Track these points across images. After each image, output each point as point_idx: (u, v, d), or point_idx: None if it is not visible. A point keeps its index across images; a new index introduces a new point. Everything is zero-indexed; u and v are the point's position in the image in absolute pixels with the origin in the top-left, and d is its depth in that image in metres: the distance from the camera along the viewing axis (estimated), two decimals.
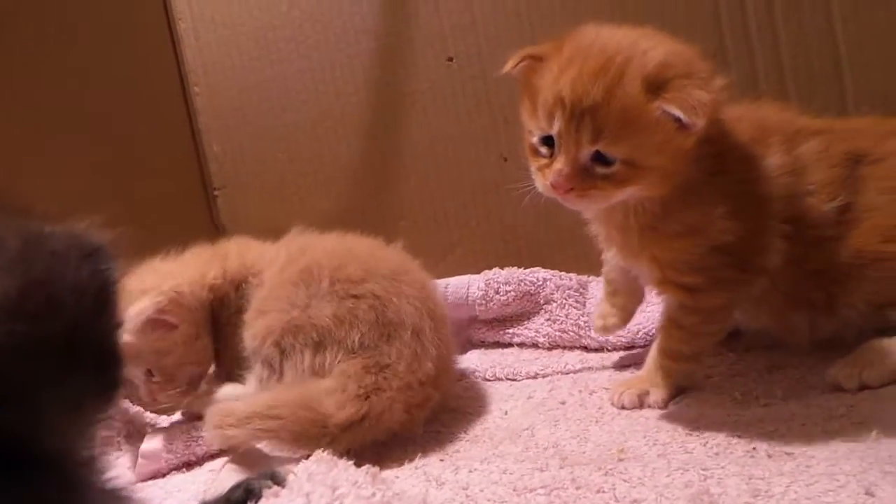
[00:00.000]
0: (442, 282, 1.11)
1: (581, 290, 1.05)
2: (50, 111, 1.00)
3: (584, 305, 1.03)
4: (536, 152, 0.68)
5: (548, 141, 0.66)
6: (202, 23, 1.23)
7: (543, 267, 1.08)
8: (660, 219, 0.68)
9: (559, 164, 0.64)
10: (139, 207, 1.14)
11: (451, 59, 1.15)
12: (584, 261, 1.05)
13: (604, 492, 0.54)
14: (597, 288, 1.04)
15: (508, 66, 0.69)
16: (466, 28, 1.14)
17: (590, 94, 0.61)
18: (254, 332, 0.78)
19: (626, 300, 0.86)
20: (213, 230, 1.28)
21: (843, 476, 0.50)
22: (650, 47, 0.64)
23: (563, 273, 1.06)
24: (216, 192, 1.28)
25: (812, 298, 0.72)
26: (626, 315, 0.86)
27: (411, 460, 0.68)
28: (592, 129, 0.62)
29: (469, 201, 1.17)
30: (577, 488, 0.56)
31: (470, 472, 0.63)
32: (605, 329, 0.87)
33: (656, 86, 0.61)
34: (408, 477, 0.64)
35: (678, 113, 0.60)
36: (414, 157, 1.18)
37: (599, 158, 0.64)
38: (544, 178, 0.66)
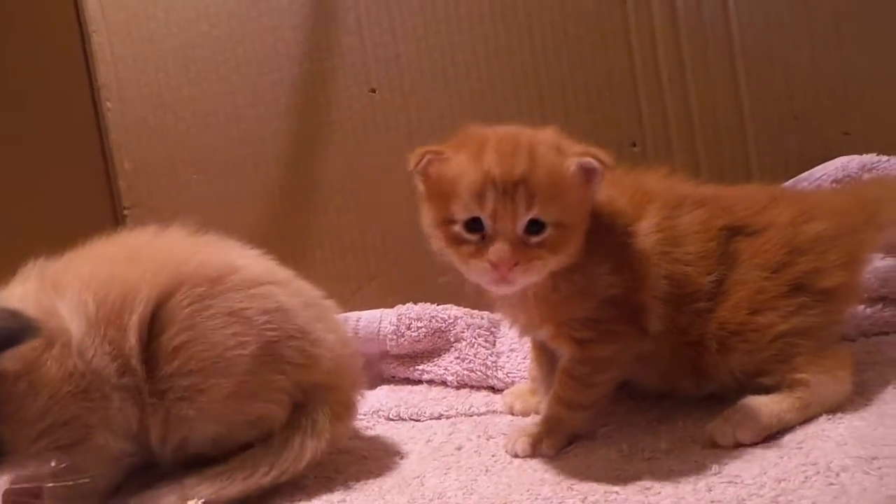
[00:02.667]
0: (354, 315, 1.09)
1: (492, 329, 1.05)
2: None
3: (494, 345, 1.03)
4: (460, 241, 0.68)
5: (474, 225, 0.67)
6: (117, 36, 1.19)
7: (458, 304, 1.08)
8: (550, 288, 0.71)
9: (499, 242, 0.65)
10: (46, 222, 1.09)
11: (373, 91, 1.15)
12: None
13: None
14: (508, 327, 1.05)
15: (412, 164, 0.70)
16: (390, 61, 1.13)
17: (518, 166, 0.66)
18: None
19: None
20: None
21: None
22: (535, 131, 0.71)
23: (475, 311, 1.06)
24: (126, 212, 1.22)
25: (695, 365, 0.75)
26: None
27: None
28: (527, 196, 0.65)
29: (387, 235, 1.16)
30: None
31: None
32: (511, 410, 0.89)
33: (561, 150, 0.69)
34: None
35: (591, 161, 0.67)
36: (332, 187, 1.17)
37: (531, 228, 0.66)
38: (480, 261, 0.66)
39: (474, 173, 0.66)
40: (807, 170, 1.01)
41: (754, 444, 0.67)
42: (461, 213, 0.67)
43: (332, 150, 1.16)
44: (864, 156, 0.98)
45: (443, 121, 1.12)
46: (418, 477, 0.73)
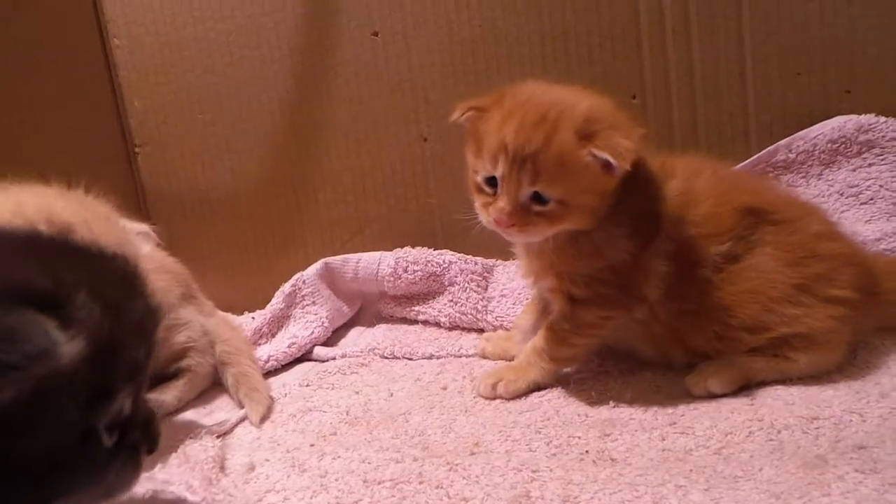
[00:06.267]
0: (354, 256, 1.14)
1: (485, 274, 1.09)
2: None
3: (486, 290, 1.08)
4: (481, 190, 0.76)
5: (491, 181, 0.74)
6: None
7: (454, 249, 1.12)
8: (569, 242, 0.75)
9: (501, 202, 0.72)
10: (59, 161, 1.13)
11: (376, 34, 1.15)
12: (494, 245, 1.10)
13: (441, 488, 0.60)
14: (501, 273, 1.09)
15: (455, 116, 0.76)
16: (393, 4, 1.13)
17: (530, 142, 0.69)
18: None
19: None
20: (134, 188, 1.27)
21: (643, 487, 0.57)
22: (577, 101, 0.72)
23: (469, 257, 1.10)
24: (137, 150, 1.26)
25: (687, 335, 0.77)
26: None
27: (288, 448, 0.73)
28: (532, 172, 0.70)
29: (388, 178, 1.19)
30: (420, 483, 0.62)
31: (333, 459, 0.68)
32: (483, 353, 0.95)
33: (586, 135, 0.69)
34: (276, 462, 0.69)
35: (608, 157, 0.68)
36: (335, 130, 1.19)
37: (537, 198, 0.72)
38: (488, 213, 0.75)
39: (495, 138, 0.71)
40: (805, 127, 1.01)
41: (724, 396, 0.72)
42: (482, 169, 0.74)
43: (334, 92, 1.17)
44: (862, 116, 0.97)
45: (444, 65, 1.13)
46: (404, 413, 0.79)
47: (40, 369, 0.33)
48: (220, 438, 0.73)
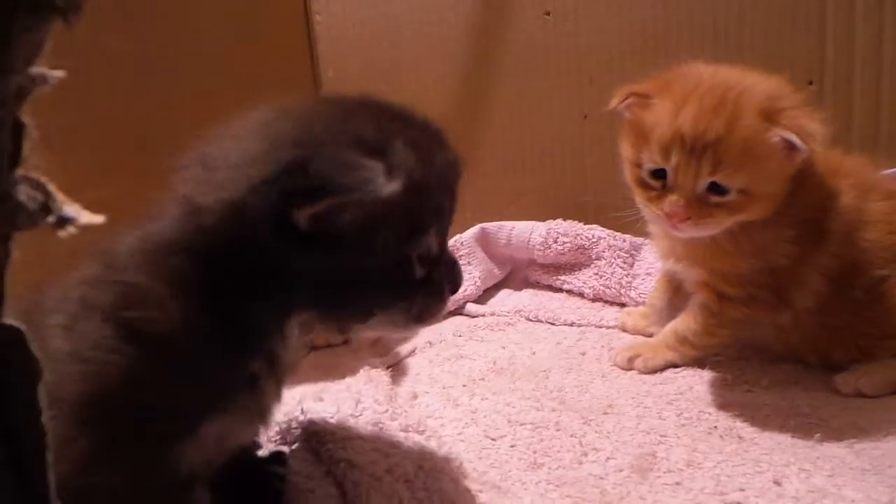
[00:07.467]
0: (509, 224, 1.24)
1: (633, 251, 1.13)
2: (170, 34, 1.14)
3: (632, 267, 1.12)
4: (645, 184, 0.73)
5: (658, 173, 0.71)
6: None
7: (603, 225, 1.17)
8: (729, 239, 0.73)
9: (676, 195, 0.69)
10: None
11: (548, 14, 1.20)
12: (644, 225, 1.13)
13: (575, 437, 0.69)
14: (648, 251, 1.13)
15: (614, 103, 0.73)
16: None
17: (712, 129, 0.65)
18: None
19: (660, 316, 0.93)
20: None
21: (766, 464, 0.61)
22: (756, 82, 0.68)
23: (617, 234, 1.14)
24: None
25: (827, 346, 0.76)
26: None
27: (444, 385, 0.85)
28: (713, 161, 0.66)
29: (546, 152, 1.26)
30: (557, 430, 0.70)
31: (482, 399, 0.79)
32: (623, 326, 0.98)
33: (771, 115, 0.66)
34: (434, 394, 0.81)
35: (795, 139, 0.64)
36: (501, 104, 1.27)
37: (714, 189, 0.68)
38: (656, 207, 0.71)
39: (667, 127, 0.68)
40: None
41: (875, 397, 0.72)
42: (648, 161, 0.72)
43: (504, 69, 1.25)
44: None
45: (611, 47, 1.16)
46: (545, 371, 0.88)
47: (368, 196, 0.41)
48: (390, 369, 0.87)
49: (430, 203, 0.48)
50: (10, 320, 0.31)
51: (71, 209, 0.30)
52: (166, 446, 0.44)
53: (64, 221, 0.30)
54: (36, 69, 0.27)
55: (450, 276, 0.52)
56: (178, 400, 0.44)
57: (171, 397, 0.43)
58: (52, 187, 0.30)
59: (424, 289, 0.49)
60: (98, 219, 0.31)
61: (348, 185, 0.41)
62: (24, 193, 0.29)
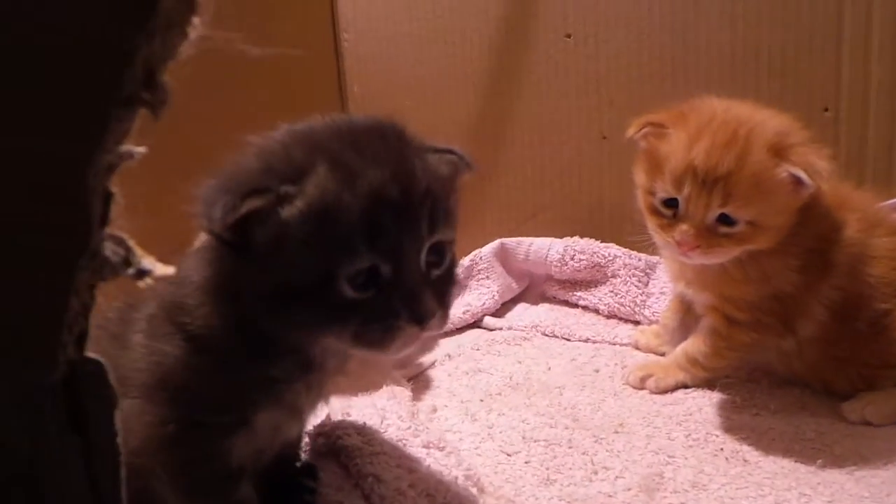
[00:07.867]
0: (527, 240, 1.27)
1: (648, 270, 1.16)
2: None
3: (647, 285, 1.15)
4: (657, 212, 0.76)
5: (670, 202, 0.74)
6: None
7: (619, 244, 1.20)
8: (737, 266, 0.76)
9: (686, 224, 0.72)
10: None
11: (568, 36, 1.24)
12: (656, 249, 1.16)
13: (586, 455, 0.72)
14: (663, 271, 1.16)
15: (631, 132, 0.76)
16: (588, 8, 1.20)
17: (723, 163, 0.68)
18: None
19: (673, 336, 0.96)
20: None
21: (768, 488, 0.64)
22: (766, 118, 0.72)
23: (633, 253, 1.17)
24: None
25: (830, 374, 0.79)
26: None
27: (462, 399, 0.89)
28: (723, 194, 0.69)
29: (565, 170, 1.29)
30: (570, 447, 0.74)
31: (499, 415, 0.83)
32: (636, 344, 1.02)
33: (780, 151, 0.69)
34: (453, 408, 0.85)
35: (802, 175, 0.68)
36: (522, 122, 1.31)
37: (724, 220, 0.71)
38: (667, 235, 0.74)
39: (681, 159, 0.71)
40: None
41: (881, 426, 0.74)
42: (661, 191, 0.75)
43: (525, 89, 1.29)
44: None
45: (630, 70, 1.19)
46: (559, 387, 0.92)
47: (214, 226, 0.45)
48: (412, 381, 0.91)
49: (356, 224, 0.47)
50: (92, 354, 0.36)
51: (147, 262, 0.35)
52: (221, 436, 0.51)
53: (142, 273, 0.34)
54: (124, 147, 0.31)
55: (408, 303, 0.48)
56: (228, 393, 0.51)
57: (220, 389, 0.50)
58: (132, 243, 0.34)
59: (363, 313, 0.48)
60: (170, 270, 0.35)
61: (205, 214, 0.47)
62: (109, 249, 0.34)
